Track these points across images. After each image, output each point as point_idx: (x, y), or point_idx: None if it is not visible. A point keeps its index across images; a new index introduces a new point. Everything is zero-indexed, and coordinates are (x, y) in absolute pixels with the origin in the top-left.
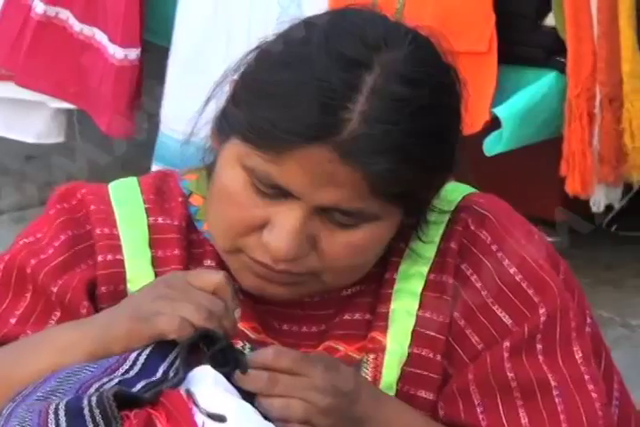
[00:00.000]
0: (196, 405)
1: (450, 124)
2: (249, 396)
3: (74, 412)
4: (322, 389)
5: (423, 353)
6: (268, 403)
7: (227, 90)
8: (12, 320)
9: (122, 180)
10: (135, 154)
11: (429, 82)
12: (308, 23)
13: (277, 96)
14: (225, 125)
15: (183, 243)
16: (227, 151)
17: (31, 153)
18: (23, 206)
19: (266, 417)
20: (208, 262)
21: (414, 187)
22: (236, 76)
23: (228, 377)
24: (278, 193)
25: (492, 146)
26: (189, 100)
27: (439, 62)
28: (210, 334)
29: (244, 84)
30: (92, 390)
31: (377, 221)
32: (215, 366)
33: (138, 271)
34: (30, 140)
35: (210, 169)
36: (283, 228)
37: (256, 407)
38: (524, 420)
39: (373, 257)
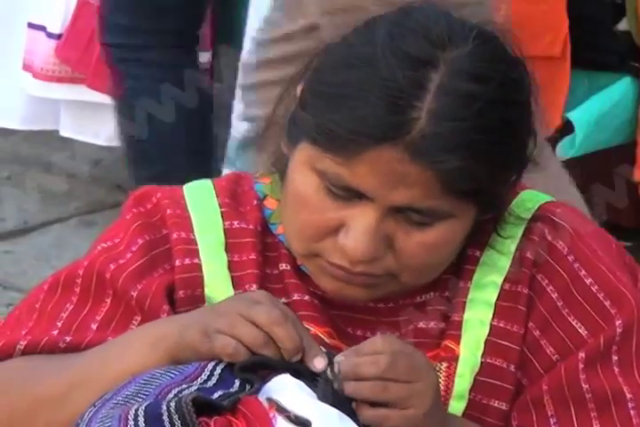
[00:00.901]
0: (280, 411)
1: (519, 118)
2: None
3: (153, 417)
4: (424, 393)
5: (496, 363)
6: (364, 414)
7: (295, 95)
8: (94, 326)
9: (196, 182)
10: None
11: (496, 77)
12: (372, 23)
13: (344, 98)
14: (294, 130)
15: (259, 247)
16: (297, 156)
17: (100, 156)
18: (93, 210)
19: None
20: (283, 266)
21: (486, 183)
22: (303, 80)
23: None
24: (351, 195)
25: (566, 150)
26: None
27: (505, 57)
28: (265, 361)
29: (310, 88)
30: (170, 395)
31: (451, 218)
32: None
33: (215, 276)
34: (101, 142)
35: (282, 174)
36: (358, 229)
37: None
38: None
39: (449, 255)
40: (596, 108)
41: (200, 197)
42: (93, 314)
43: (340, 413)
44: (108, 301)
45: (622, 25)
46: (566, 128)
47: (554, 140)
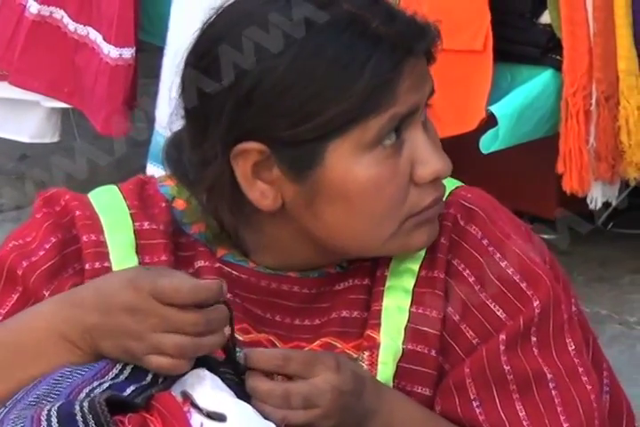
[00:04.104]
0: (195, 405)
1: None
2: (246, 396)
3: (66, 418)
4: (325, 393)
5: (418, 349)
6: (266, 412)
7: None
8: None
9: (100, 188)
10: (131, 153)
11: None
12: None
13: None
14: (306, 147)
15: (170, 247)
16: (334, 158)
17: (26, 152)
18: (19, 206)
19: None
20: (200, 263)
21: None
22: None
23: (222, 379)
24: (397, 134)
25: (488, 144)
26: None
27: None
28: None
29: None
30: (82, 395)
31: None
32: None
33: None
34: (25, 139)
35: (229, 191)
36: (427, 150)
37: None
38: (522, 413)
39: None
40: (518, 101)
41: (107, 200)
42: None
43: (254, 409)
44: (15, 297)
45: (544, 18)
46: (489, 122)
47: (477, 135)
